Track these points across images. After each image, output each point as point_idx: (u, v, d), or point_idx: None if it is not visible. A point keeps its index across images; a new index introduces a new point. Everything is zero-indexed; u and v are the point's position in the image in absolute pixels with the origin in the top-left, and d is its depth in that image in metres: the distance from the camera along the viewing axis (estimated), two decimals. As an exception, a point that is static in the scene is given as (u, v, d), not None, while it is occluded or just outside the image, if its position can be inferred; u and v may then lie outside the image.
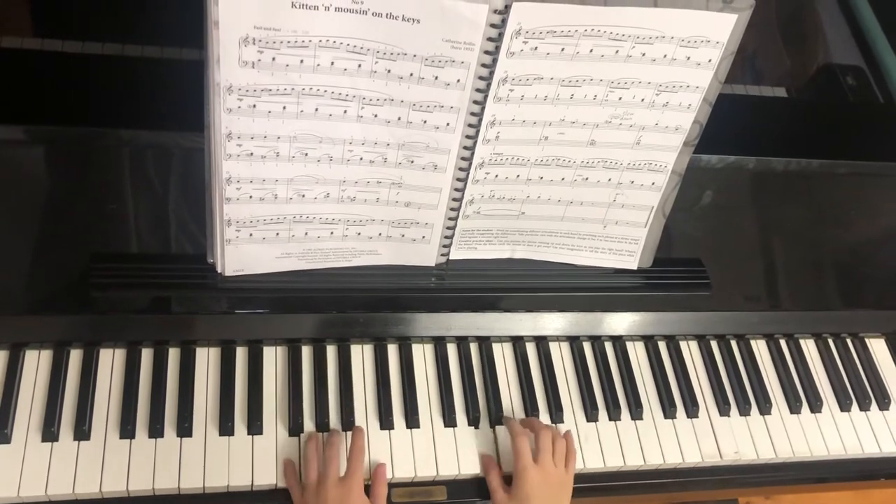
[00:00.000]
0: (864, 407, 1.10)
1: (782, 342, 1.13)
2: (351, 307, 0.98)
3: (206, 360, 0.96)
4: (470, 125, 0.84)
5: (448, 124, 0.84)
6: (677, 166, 0.93)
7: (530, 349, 1.05)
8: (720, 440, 1.03)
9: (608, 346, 1.07)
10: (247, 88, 0.76)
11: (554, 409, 1.01)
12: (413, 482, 0.94)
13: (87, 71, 0.93)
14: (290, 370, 0.97)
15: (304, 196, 0.87)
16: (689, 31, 0.81)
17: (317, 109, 0.80)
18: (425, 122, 0.83)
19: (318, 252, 0.93)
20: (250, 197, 0.85)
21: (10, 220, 0.89)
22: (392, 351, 1.01)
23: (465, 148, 0.86)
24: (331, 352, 0.99)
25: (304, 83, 0.78)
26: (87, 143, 0.87)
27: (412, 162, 0.87)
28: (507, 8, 0.75)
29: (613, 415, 1.02)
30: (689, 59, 0.83)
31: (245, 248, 0.89)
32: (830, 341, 1.15)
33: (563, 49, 0.80)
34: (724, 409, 1.05)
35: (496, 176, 0.91)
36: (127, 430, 0.89)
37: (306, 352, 0.99)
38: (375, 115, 0.82)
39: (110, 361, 0.93)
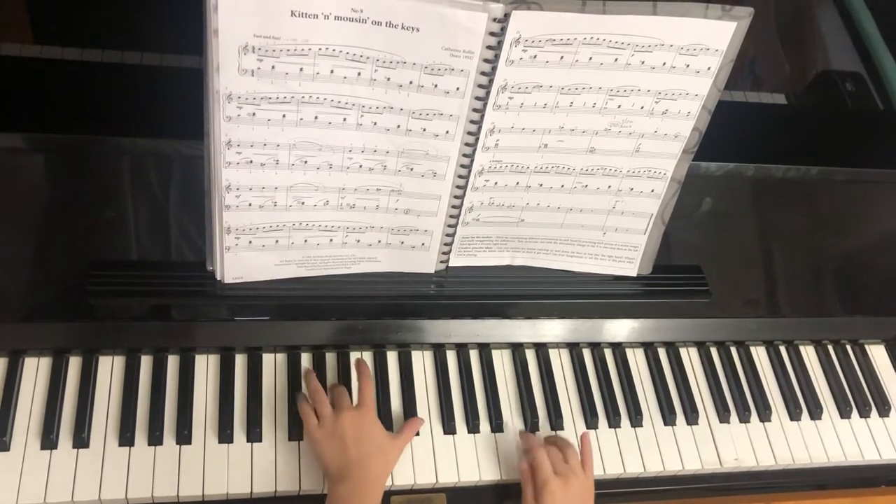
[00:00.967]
0: (864, 414, 1.10)
1: (782, 349, 1.13)
2: (350, 314, 0.98)
3: (206, 367, 0.96)
4: (469, 133, 0.84)
5: (447, 132, 0.84)
6: (676, 173, 0.93)
7: (530, 356, 1.05)
8: (720, 447, 1.03)
9: (608, 353, 1.07)
10: (246, 96, 0.77)
11: (553, 416, 1.01)
12: (412, 489, 0.94)
13: (86, 78, 0.93)
14: (290, 377, 0.97)
15: (303, 203, 0.87)
16: (688, 39, 0.81)
17: (316, 117, 0.80)
18: (425, 129, 0.83)
19: (318, 259, 0.93)
20: (250, 204, 0.85)
21: (10, 228, 0.89)
22: (391, 358, 1.01)
23: (465, 155, 0.87)
24: (330, 359, 0.99)
25: (303, 91, 0.78)
26: (87, 151, 0.87)
27: (412, 169, 0.87)
28: (507, 16, 0.75)
29: (613, 422, 1.02)
30: (688, 66, 0.83)
31: (244, 256, 0.89)
32: (830, 348, 1.15)
33: (562, 57, 0.80)
34: (723, 416, 1.05)
35: (495, 183, 0.91)
36: (126, 438, 0.89)
37: (306, 359, 0.99)
38: (375, 123, 0.82)
39: (109, 369, 0.93)
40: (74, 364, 0.93)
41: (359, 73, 0.78)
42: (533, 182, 0.92)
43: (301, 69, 0.76)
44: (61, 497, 0.86)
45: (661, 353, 1.09)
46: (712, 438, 1.04)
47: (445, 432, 0.97)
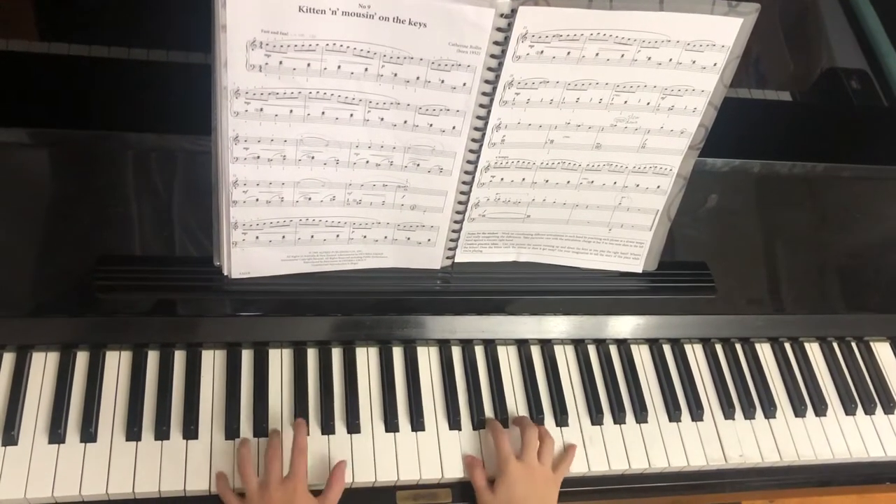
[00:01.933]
0: (868, 411, 1.10)
1: (787, 346, 1.13)
2: (356, 310, 0.98)
3: (212, 362, 0.96)
4: (476, 128, 0.85)
5: (454, 128, 0.84)
6: (682, 170, 0.93)
7: (535, 352, 1.05)
8: (725, 443, 1.03)
9: (613, 350, 1.07)
10: (254, 92, 0.77)
11: (559, 412, 1.01)
12: (418, 485, 0.94)
13: (93, 75, 0.94)
14: (296, 372, 0.97)
15: (310, 199, 0.87)
16: (694, 34, 0.81)
17: (323, 113, 0.80)
18: (431, 125, 0.83)
19: (324, 255, 0.93)
20: (257, 200, 0.85)
21: (18, 223, 0.89)
22: (397, 354, 1.01)
23: (471, 151, 0.87)
24: (336, 354, 0.99)
25: (310, 87, 0.78)
26: (94, 146, 0.87)
27: (418, 165, 0.87)
28: (514, 12, 0.75)
29: (618, 418, 1.02)
30: (694, 62, 0.84)
31: (251, 251, 0.89)
32: (835, 345, 1.15)
33: (568, 53, 0.80)
34: (728, 413, 1.05)
35: (502, 179, 0.91)
36: (133, 433, 0.90)
37: (312, 354, 0.99)
38: (382, 119, 0.82)
39: (116, 363, 0.94)
40: (82, 359, 0.93)
41: (366, 69, 0.78)
42: (539, 178, 0.92)
43: (308, 65, 0.76)
44: (69, 491, 0.86)
45: (667, 349, 1.09)
46: (717, 435, 1.04)
47: (451, 428, 0.98)
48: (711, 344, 1.11)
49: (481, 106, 0.83)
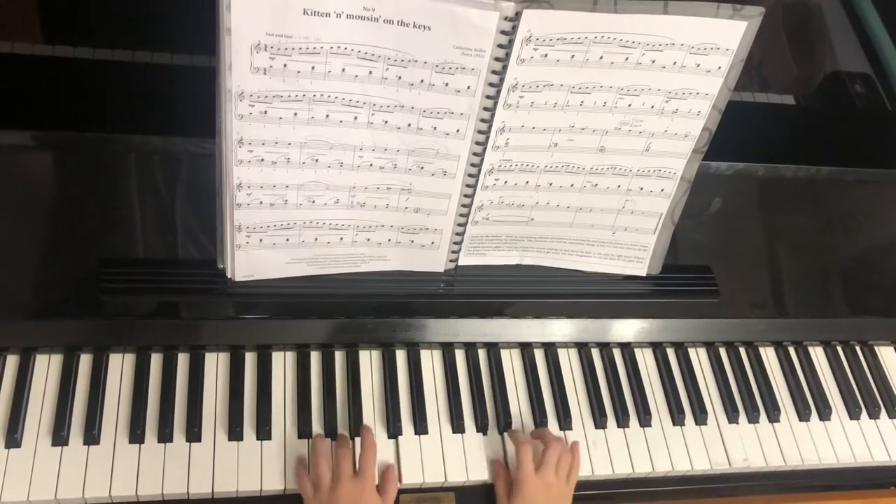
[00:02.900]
0: (873, 415, 1.10)
1: (791, 349, 1.13)
2: (359, 313, 0.98)
3: (216, 365, 0.96)
4: (480, 131, 0.85)
5: (458, 131, 0.84)
6: (687, 173, 0.93)
7: (539, 356, 1.05)
8: (729, 447, 1.03)
9: (617, 353, 1.07)
10: (258, 94, 0.77)
11: (562, 415, 1.01)
12: (421, 488, 0.94)
13: (100, 77, 0.94)
14: (299, 375, 0.97)
15: (314, 202, 0.87)
16: (698, 38, 0.81)
17: (328, 116, 0.80)
18: (435, 128, 0.83)
19: (328, 258, 0.93)
20: (261, 202, 0.85)
21: (22, 225, 0.89)
22: (400, 357, 1.01)
23: (475, 154, 0.87)
24: (339, 357, 0.99)
25: (315, 90, 0.78)
26: (99, 149, 0.87)
27: (422, 168, 0.87)
28: (518, 15, 0.75)
29: (622, 422, 1.02)
30: (698, 66, 0.83)
31: (255, 254, 0.89)
32: (839, 349, 1.15)
33: (573, 56, 0.80)
34: (732, 417, 1.05)
35: (505, 182, 0.91)
36: (136, 435, 0.90)
37: (315, 357, 0.99)
38: (386, 122, 0.82)
39: (120, 366, 0.94)
40: (85, 361, 0.93)
41: (370, 72, 0.78)
42: (543, 181, 0.92)
43: (313, 67, 0.76)
44: (72, 494, 0.86)
45: (670, 353, 1.09)
46: (721, 439, 1.04)
47: (454, 431, 0.97)
48: (715, 347, 1.10)
49: (485, 109, 0.83)
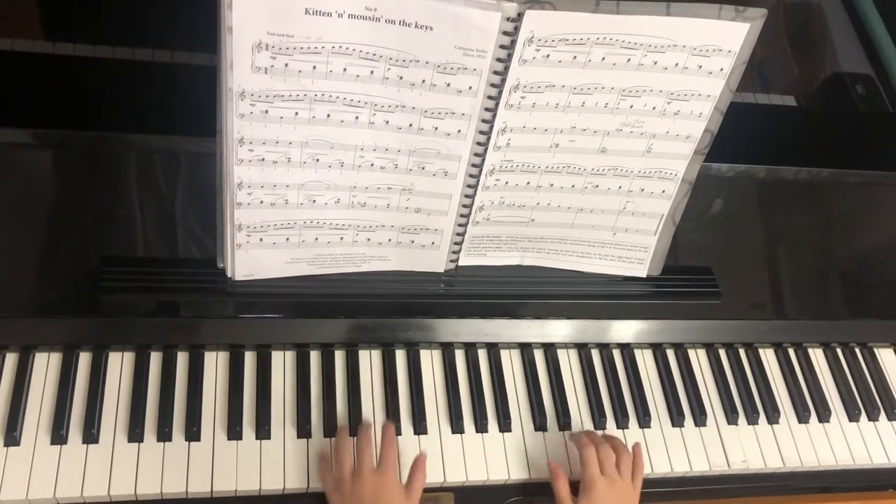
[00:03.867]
0: (872, 417, 1.10)
1: (791, 351, 1.13)
2: (359, 313, 0.98)
3: (215, 364, 0.96)
4: (481, 132, 0.85)
5: (459, 131, 0.84)
6: (688, 174, 0.93)
7: (538, 356, 1.05)
8: (728, 449, 1.03)
9: (616, 354, 1.07)
10: (259, 94, 0.77)
11: (562, 416, 1.01)
12: (420, 488, 0.94)
13: (100, 75, 0.93)
14: (299, 375, 0.97)
15: (314, 201, 0.87)
16: (701, 39, 0.81)
17: (329, 115, 0.80)
18: (436, 128, 0.83)
19: (328, 257, 0.93)
20: (261, 202, 0.85)
21: (23, 224, 0.89)
22: (400, 357, 1.01)
23: (476, 154, 0.87)
24: (339, 357, 0.99)
25: (316, 89, 0.78)
26: (100, 148, 0.87)
27: (423, 168, 0.87)
28: (520, 16, 0.75)
29: (621, 423, 1.02)
30: (700, 67, 0.83)
31: (255, 253, 0.89)
32: (839, 350, 1.15)
33: (574, 57, 0.80)
34: (732, 418, 1.05)
35: (506, 183, 0.91)
36: (135, 434, 0.90)
37: (315, 357, 0.99)
38: (387, 122, 0.82)
39: (119, 365, 0.94)
40: (84, 359, 0.93)
41: (371, 72, 0.78)
42: (544, 182, 0.92)
43: (314, 67, 0.76)
44: (71, 493, 0.86)
45: (670, 354, 1.09)
46: (720, 440, 1.04)
47: (454, 431, 0.97)
48: (715, 349, 1.10)
49: (487, 109, 0.82)
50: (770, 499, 1.07)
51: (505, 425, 0.99)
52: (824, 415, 1.08)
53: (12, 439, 0.87)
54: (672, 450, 1.02)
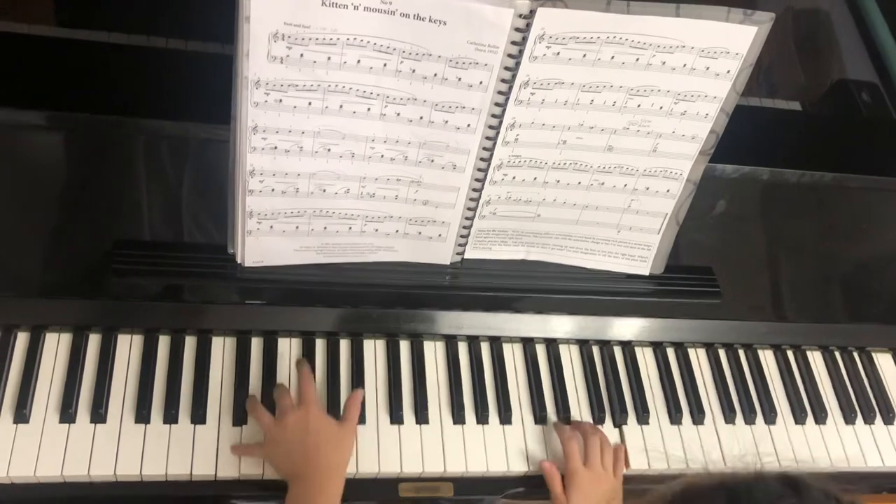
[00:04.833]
0: (868, 420, 1.11)
1: (789, 353, 1.14)
2: (365, 302, 0.99)
3: (222, 349, 0.97)
4: (490, 127, 0.86)
5: (469, 125, 0.85)
6: (693, 174, 0.94)
7: (540, 351, 1.06)
8: (724, 447, 1.04)
9: (617, 351, 1.08)
10: (274, 83, 0.78)
11: (562, 410, 1.02)
12: (420, 477, 0.95)
13: (117, 61, 0.95)
14: (304, 362, 0.98)
15: (324, 191, 0.88)
16: (709, 41, 0.83)
17: (341, 106, 0.82)
18: (447, 122, 0.85)
19: (336, 246, 0.94)
20: (272, 190, 0.86)
21: (38, 205, 0.91)
22: (404, 347, 1.02)
23: (485, 149, 0.88)
24: (344, 346, 1.01)
25: (330, 80, 0.79)
26: (115, 132, 0.88)
27: (432, 161, 0.88)
28: (532, 13, 0.77)
29: (620, 419, 1.03)
30: (708, 69, 0.85)
31: (265, 240, 0.91)
32: (837, 354, 1.16)
33: (584, 55, 0.82)
34: (729, 417, 1.06)
35: (514, 178, 0.93)
36: (142, 415, 0.91)
37: (320, 345, 1.00)
38: (398, 114, 0.84)
39: (128, 347, 0.95)
40: (94, 341, 0.94)
41: (385, 64, 0.79)
42: (550, 178, 0.93)
43: (329, 58, 0.78)
44: (77, 471, 0.87)
45: (670, 353, 1.10)
46: (717, 439, 1.05)
47: (455, 422, 0.99)
48: (715, 349, 1.12)
49: (496, 104, 0.84)
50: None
51: (506, 418, 1.00)
52: (821, 416, 1.09)
53: (22, 417, 0.88)
54: (669, 447, 1.03)
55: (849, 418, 1.10)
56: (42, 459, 0.87)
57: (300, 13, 0.74)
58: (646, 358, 1.09)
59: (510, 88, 0.83)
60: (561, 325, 1.06)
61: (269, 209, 0.88)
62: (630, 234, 1.00)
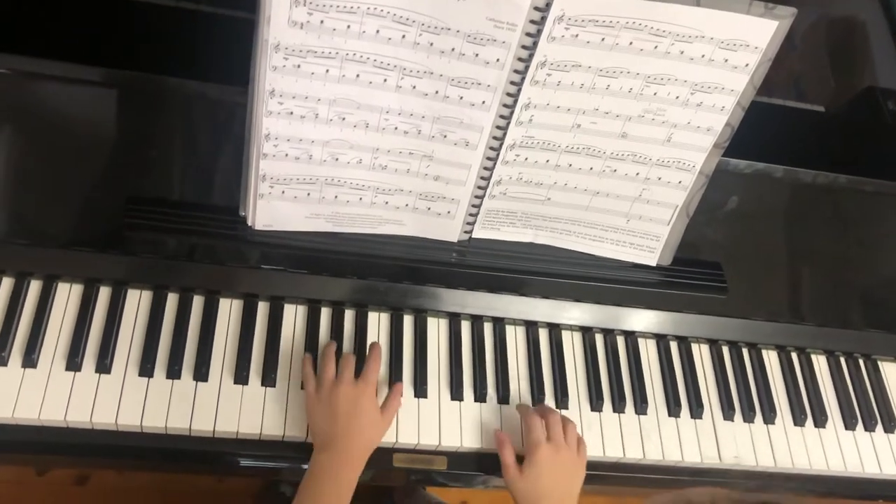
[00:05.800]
0: (869, 427, 1.11)
1: (794, 355, 1.14)
2: (372, 274, 1.00)
3: (229, 310, 0.99)
4: (505, 105, 0.86)
5: (484, 102, 0.86)
6: (706, 167, 0.94)
7: (542, 335, 1.07)
8: (721, 443, 1.04)
9: (620, 341, 1.09)
10: (293, 48, 0.79)
11: (560, 394, 1.03)
12: (415, 449, 0.97)
13: (141, 18, 0.96)
14: (309, 329, 1.00)
15: (337, 160, 0.89)
16: (729, 33, 0.82)
17: (358, 76, 0.83)
18: (462, 97, 0.85)
19: (346, 216, 0.95)
20: (286, 155, 0.88)
21: (56, 157, 0.92)
22: (408, 321, 1.03)
23: (498, 128, 0.88)
24: (349, 316, 1.02)
25: (348, 48, 0.80)
26: (136, 88, 0.90)
27: (445, 136, 0.89)
28: (553, -7, 0.77)
29: (618, 407, 1.04)
30: (726, 61, 0.84)
31: (276, 205, 0.92)
32: (842, 360, 1.15)
33: (603, 39, 0.82)
34: (728, 414, 1.06)
35: (526, 159, 0.93)
36: (146, 369, 0.93)
37: (325, 313, 1.01)
38: (414, 87, 0.84)
39: (137, 302, 0.97)
40: (104, 293, 0.96)
41: (403, 36, 0.80)
42: (563, 161, 0.94)
43: (348, 26, 0.78)
44: (80, 417, 0.89)
45: (673, 346, 1.10)
46: (714, 434, 1.05)
47: (453, 398, 1.00)
48: (718, 345, 1.11)
49: (512, 83, 0.84)
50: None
51: (503, 397, 1.01)
52: (821, 420, 1.09)
53: (30, 361, 0.91)
54: (665, 438, 1.03)
55: (849, 424, 1.10)
56: (47, 404, 0.89)
57: (322, -20, 0.75)
58: (648, 350, 1.09)
59: (527, 68, 0.83)
60: (565, 311, 1.06)
61: (282, 174, 0.89)
62: (639, 224, 1.00)
